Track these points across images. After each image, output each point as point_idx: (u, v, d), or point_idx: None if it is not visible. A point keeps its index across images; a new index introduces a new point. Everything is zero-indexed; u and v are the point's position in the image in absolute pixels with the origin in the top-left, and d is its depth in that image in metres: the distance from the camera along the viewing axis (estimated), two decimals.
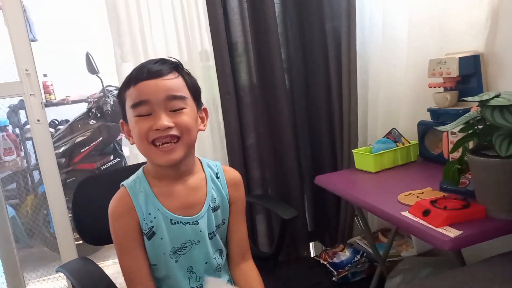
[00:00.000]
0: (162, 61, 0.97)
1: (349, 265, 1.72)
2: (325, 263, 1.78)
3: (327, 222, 2.01)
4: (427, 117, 1.50)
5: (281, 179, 1.90)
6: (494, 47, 1.31)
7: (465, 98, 1.03)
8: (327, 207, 1.99)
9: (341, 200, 1.90)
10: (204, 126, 1.04)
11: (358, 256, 1.74)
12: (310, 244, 2.07)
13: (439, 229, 0.93)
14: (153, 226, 0.99)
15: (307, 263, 1.90)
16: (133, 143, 1.00)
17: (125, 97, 0.97)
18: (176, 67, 0.98)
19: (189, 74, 1.02)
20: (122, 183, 1.03)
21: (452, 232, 0.91)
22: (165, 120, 0.92)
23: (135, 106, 0.94)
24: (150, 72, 0.94)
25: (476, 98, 0.94)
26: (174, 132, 0.93)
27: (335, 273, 1.71)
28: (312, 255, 2.05)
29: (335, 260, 1.76)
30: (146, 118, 0.93)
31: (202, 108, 1.04)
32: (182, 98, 0.95)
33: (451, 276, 0.84)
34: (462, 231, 0.91)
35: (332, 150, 1.92)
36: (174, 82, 0.95)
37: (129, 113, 0.96)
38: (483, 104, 0.92)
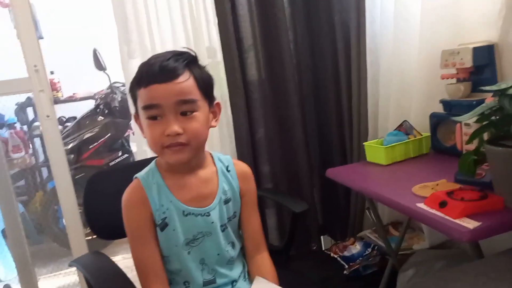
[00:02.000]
0: (176, 58, 0.95)
1: (360, 258, 1.71)
2: (336, 256, 1.77)
3: (337, 216, 2.00)
4: (439, 109, 1.48)
5: (291, 173, 1.89)
6: (509, 36, 1.29)
7: (482, 87, 1.01)
8: (337, 201, 1.98)
9: (351, 193, 1.89)
10: (216, 121, 1.04)
11: (369, 249, 1.73)
12: (321, 238, 2.06)
13: (457, 221, 0.92)
14: (166, 217, 0.99)
15: (318, 256, 1.89)
16: (146, 137, 1.00)
17: (136, 95, 0.97)
18: (189, 64, 0.96)
19: (201, 68, 1.00)
20: (135, 175, 1.04)
21: (470, 224, 0.90)
22: (175, 126, 0.92)
23: (145, 108, 0.95)
24: (161, 73, 0.92)
25: (494, 87, 0.93)
26: (182, 139, 0.94)
27: (346, 266, 1.70)
28: (322, 249, 2.04)
29: (346, 253, 1.75)
30: (157, 122, 0.94)
31: (215, 103, 1.04)
32: (192, 101, 0.95)
33: (470, 267, 0.82)
34: (480, 222, 0.89)
35: (342, 144, 1.91)
36: (185, 85, 0.94)
37: (141, 112, 0.97)
38: (501, 93, 0.90)
